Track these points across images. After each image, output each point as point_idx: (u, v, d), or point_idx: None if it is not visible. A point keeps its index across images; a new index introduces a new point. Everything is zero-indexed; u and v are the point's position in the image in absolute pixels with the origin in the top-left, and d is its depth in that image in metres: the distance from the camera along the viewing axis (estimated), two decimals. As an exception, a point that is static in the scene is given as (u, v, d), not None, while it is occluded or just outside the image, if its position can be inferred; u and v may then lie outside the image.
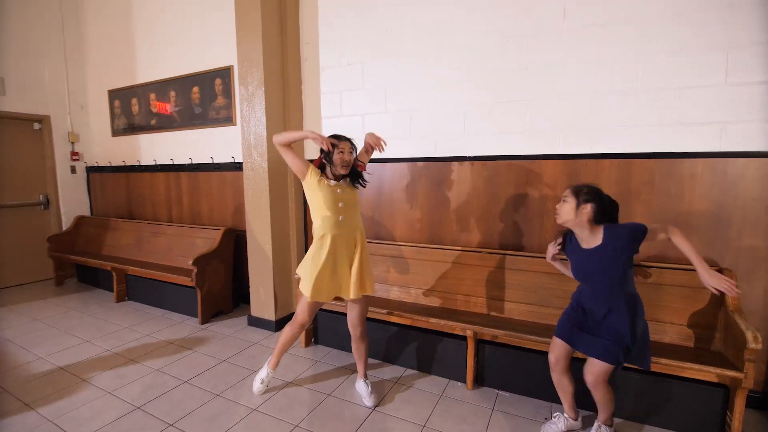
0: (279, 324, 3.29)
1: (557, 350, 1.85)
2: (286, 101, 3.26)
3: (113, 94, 4.83)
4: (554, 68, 2.46)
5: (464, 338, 2.39)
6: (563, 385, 1.90)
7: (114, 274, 4.00)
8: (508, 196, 2.67)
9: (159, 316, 3.64)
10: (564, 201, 1.76)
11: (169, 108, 4.31)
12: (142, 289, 3.97)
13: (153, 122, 4.47)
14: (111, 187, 4.95)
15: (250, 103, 3.10)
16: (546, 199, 2.55)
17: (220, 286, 3.58)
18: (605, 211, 1.73)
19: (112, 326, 3.42)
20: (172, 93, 4.24)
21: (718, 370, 1.82)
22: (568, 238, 1.90)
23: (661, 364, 1.92)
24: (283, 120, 3.24)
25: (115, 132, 4.88)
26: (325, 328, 2.96)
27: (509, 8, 2.55)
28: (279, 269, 3.27)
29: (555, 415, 2.01)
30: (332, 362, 2.76)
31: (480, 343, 2.41)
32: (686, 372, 1.92)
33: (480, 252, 2.66)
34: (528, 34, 2.51)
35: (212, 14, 3.78)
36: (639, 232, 1.68)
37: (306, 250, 3.50)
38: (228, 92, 3.83)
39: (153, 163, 4.44)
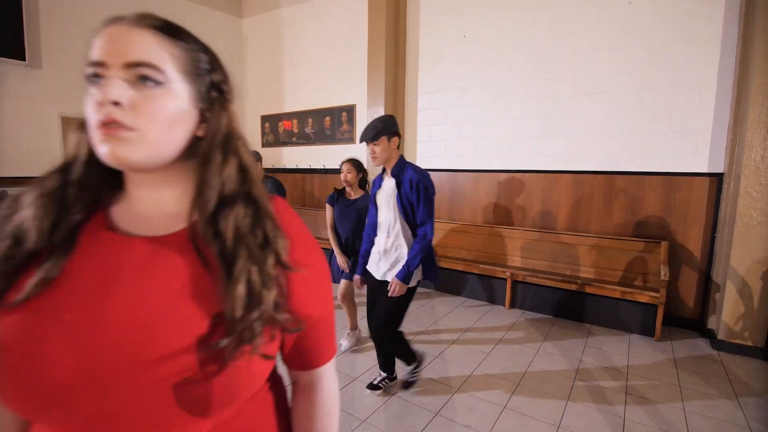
0: (384, 274, 5.09)
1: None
2: (394, 130, 5.05)
3: (264, 118, 6.96)
4: (566, 117, 3.99)
5: (505, 279, 4.01)
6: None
7: (272, 240, 6.06)
8: (536, 194, 4.23)
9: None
10: (348, 172, 3.00)
11: (292, 126, 6.37)
12: (289, 251, 5.98)
13: (294, 139, 6.51)
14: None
15: (374, 133, 4.94)
16: (560, 196, 4.08)
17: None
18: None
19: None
20: (310, 120, 6.23)
21: (646, 292, 3.30)
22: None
23: (620, 291, 3.43)
24: (392, 143, 5.03)
25: (264, 144, 7.01)
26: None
27: (541, 77, 4.11)
28: (385, 239, 5.07)
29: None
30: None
31: (515, 282, 4.02)
32: (636, 296, 3.40)
33: (517, 229, 4.25)
34: (551, 95, 4.06)
35: (342, 66, 5.68)
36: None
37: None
38: (351, 121, 5.72)
39: (295, 167, 6.47)
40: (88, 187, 0.53)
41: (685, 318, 3.62)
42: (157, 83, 0.49)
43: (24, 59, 4.61)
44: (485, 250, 4.37)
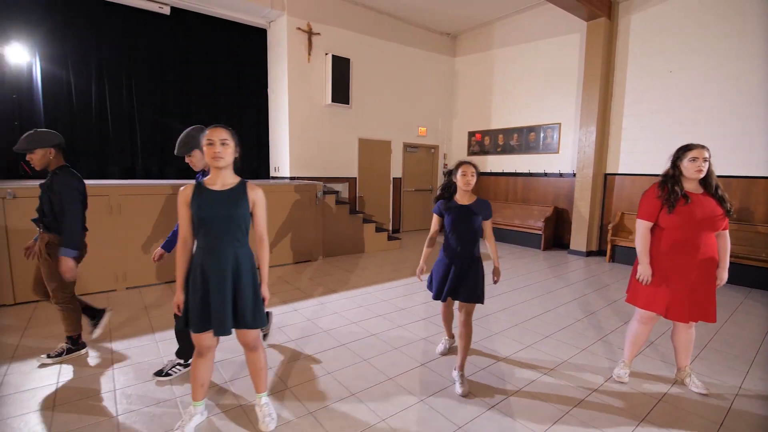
0: (588, 254, 6.67)
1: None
2: (602, 145, 6.58)
3: (470, 134, 9.04)
4: (749, 134, 5.07)
5: (705, 258, 5.29)
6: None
7: (484, 225, 8.09)
8: (734, 194, 5.36)
9: (520, 248, 7.50)
10: (472, 176, 2.59)
11: (480, 137, 8.31)
12: (500, 235, 7.93)
13: (498, 149, 8.44)
14: (464, 183, 9.22)
15: (588, 147, 6.55)
16: (759, 195, 5.17)
17: (550, 234, 7.20)
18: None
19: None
20: (515, 135, 8.08)
21: (842, 270, 4.34)
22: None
23: (814, 269, 4.50)
24: (600, 154, 6.57)
25: (469, 153, 9.09)
26: (618, 254, 6.21)
27: (743, 102, 5.24)
28: (591, 227, 6.65)
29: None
30: (625, 268, 6.00)
31: (713, 261, 5.27)
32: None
33: (716, 222, 5.45)
34: (754, 116, 5.17)
35: (550, 93, 7.39)
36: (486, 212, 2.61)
37: (602, 221, 6.76)
38: (554, 136, 7.39)
39: (500, 171, 8.40)
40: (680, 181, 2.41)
41: None
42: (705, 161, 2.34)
43: (348, 103, 7.39)
44: (685, 236, 5.65)
